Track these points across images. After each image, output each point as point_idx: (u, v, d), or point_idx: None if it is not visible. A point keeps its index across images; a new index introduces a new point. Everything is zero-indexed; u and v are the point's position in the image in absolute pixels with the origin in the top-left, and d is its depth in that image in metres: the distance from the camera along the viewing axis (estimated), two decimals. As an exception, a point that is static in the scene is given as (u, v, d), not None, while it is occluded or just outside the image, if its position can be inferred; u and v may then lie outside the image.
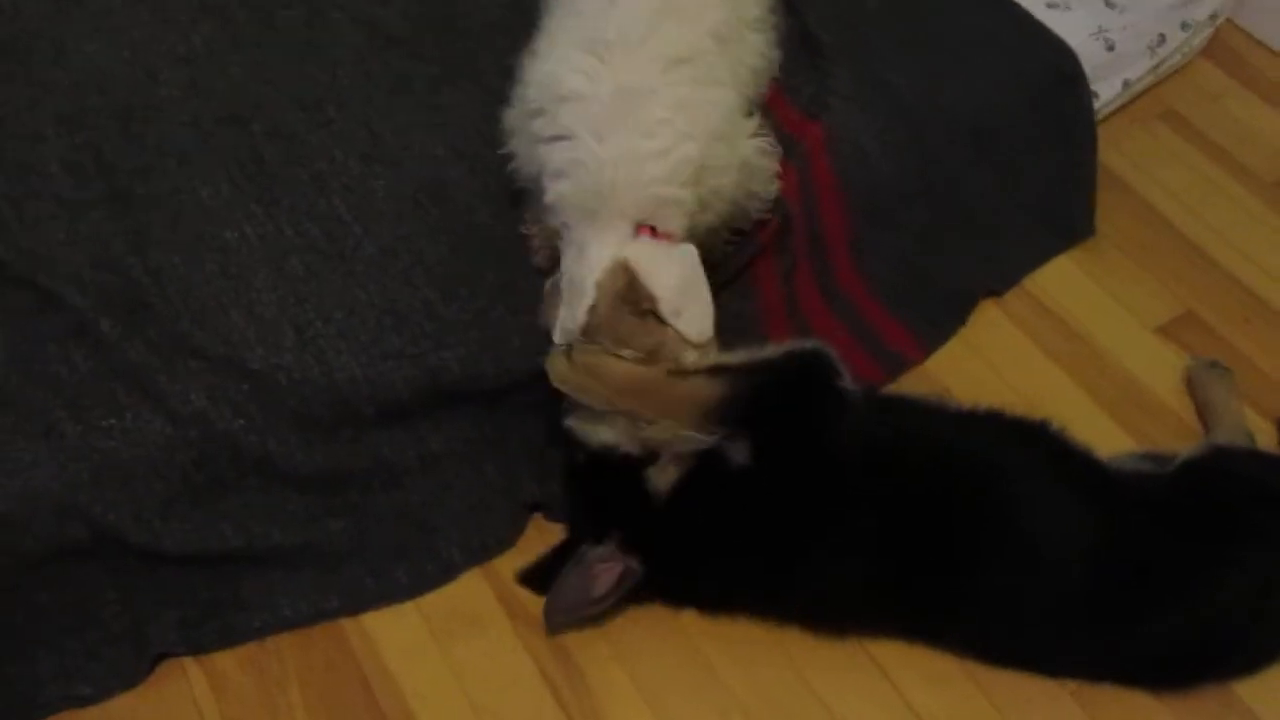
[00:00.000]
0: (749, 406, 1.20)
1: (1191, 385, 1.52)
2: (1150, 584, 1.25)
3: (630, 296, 1.18)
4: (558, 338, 1.21)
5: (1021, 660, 1.28)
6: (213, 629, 1.29)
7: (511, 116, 1.37)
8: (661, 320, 1.20)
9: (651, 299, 1.18)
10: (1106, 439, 1.43)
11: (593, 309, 1.17)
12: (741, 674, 1.29)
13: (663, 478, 1.25)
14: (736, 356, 1.25)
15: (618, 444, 1.23)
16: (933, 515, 1.24)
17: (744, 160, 1.34)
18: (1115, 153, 1.78)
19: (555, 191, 1.23)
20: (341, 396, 1.31)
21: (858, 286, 1.56)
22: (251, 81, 1.58)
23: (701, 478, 1.24)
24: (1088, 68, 1.68)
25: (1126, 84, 1.77)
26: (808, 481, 1.24)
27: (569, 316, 1.19)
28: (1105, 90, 1.73)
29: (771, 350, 1.28)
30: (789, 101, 1.58)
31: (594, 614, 1.29)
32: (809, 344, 1.30)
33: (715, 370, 1.21)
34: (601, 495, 1.28)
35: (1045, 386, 1.52)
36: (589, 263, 1.19)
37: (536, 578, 1.33)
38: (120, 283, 1.36)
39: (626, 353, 1.19)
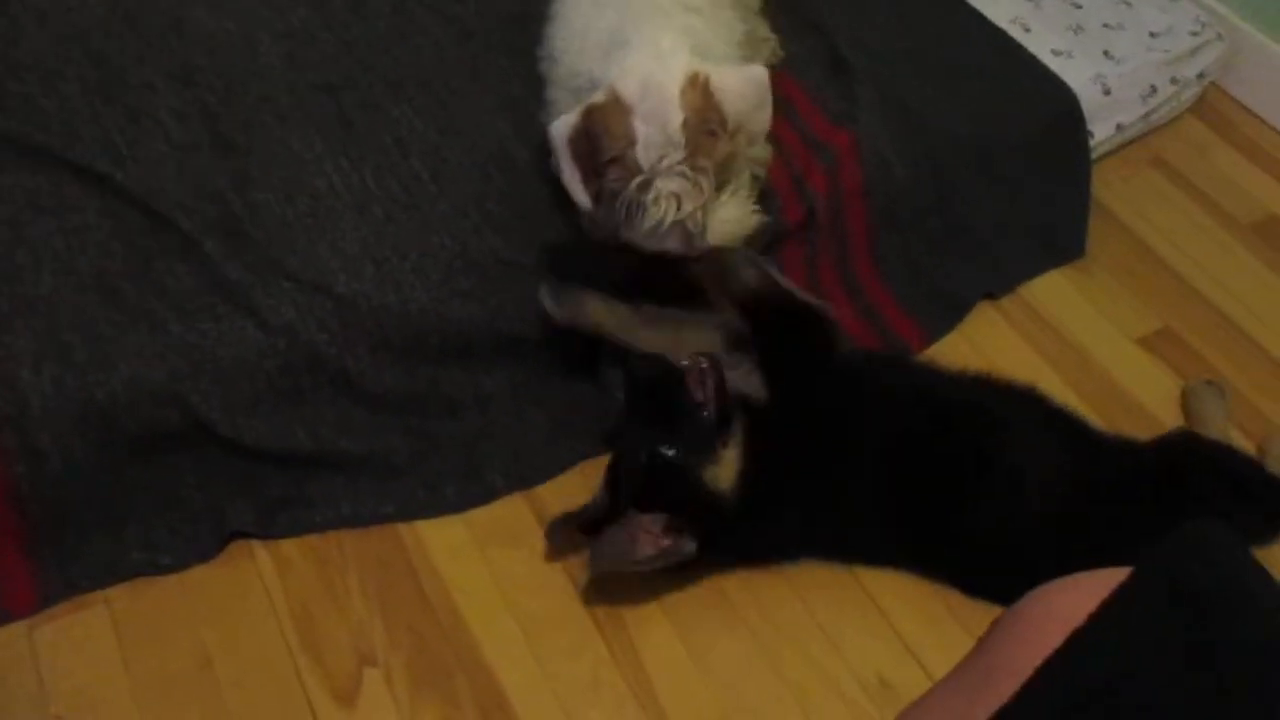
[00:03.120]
0: (765, 316, 1.35)
1: (1186, 398, 1.68)
2: (1113, 541, 1.40)
3: (707, 115, 1.30)
4: (642, 155, 1.31)
5: (997, 595, 1.43)
6: (281, 519, 1.43)
7: (552, 103, 1.55)
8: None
9: (722, 117, 1.31)
10: (1087, 428, 1.59)
11: (684, 124, 1.29)
12: (752, 600, 1.43)
13: (725, 475, 1.35)
14: (780, 276, 1.39)
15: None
16: (930, 456, 1.40)
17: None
18: (1107, 190, 1.97)
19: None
20: (413, 325, 1.47)
21: (872, 278, 1.74)
22: (343, 58, 1.76)
23: (752, 461, 1.35)
24: (1086, 109, 1.88)
25: (1120, 127, 1.96)
26: (828, 432, 1.39)
27: (656, 132, 1.30)
28: (1100, 130, 1.93)
29: (800, 292, 1.43)
30: (820, 111, 1.77)
31: (637, 571, 1.36)
32: (828, 307, 1.45)
33: (757, 272, 1.37)
34: (659, 490, 1.35)
35: (1033, 379, 1.67)
36: (668, 70, 1.31)
37: (584, 526, 1.41)
38: (221, 214, 1.53)
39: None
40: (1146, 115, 2.00)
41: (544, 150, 1.61)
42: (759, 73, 1.41)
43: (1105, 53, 1.95)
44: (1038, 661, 0.81)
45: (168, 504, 1.40)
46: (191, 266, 1.47)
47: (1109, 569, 0.85)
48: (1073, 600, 0.83)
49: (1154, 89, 1.97)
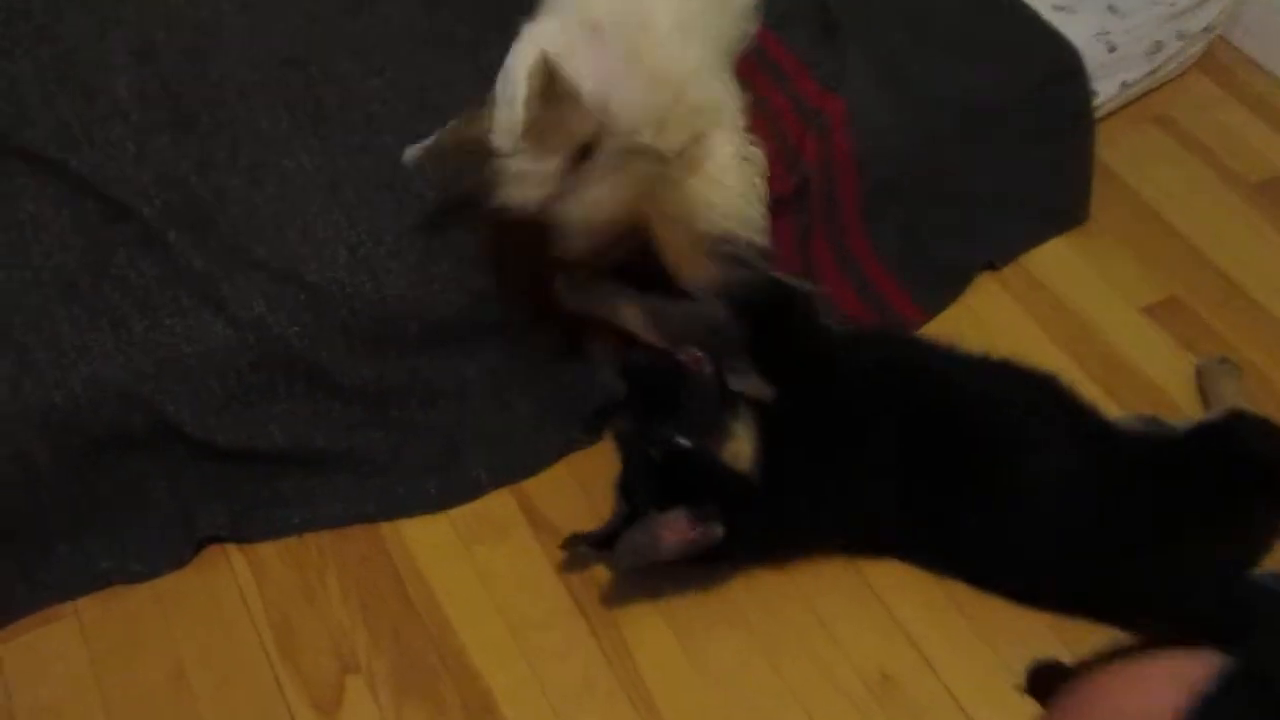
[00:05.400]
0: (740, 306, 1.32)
1: (1200, 377, 1.61)
2: (1135, 540, 1.35)
3: (551, 92, 1.18)
4: (497, 141, 1.24)
5: (1007, 587, 1.38)
6: (256, 521, 1.38)
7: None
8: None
9: (574, 93, 1.18)
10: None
11: (526, 103, 1.19)
12: (749, 594, 1.38)
13: (743, 450, 1.32)
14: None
15: None
16: (939, 444, 1.35)
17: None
18: (1111, 149, 1.90)
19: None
20: (389, 312, 1.41)
21: (866, 251, 1.67)
22: (308, 31, 1.68)
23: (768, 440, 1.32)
24: (1089, 67, 1.80)
25: (1124, 85, 1.89)
26: (842, 414, 1.36)
27: (506, 116, 1.22)
28: (1105, 89, 1.85)
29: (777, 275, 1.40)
30: (811, 76, 1.69)
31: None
32: (804, 284, 1.43)
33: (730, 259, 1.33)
34: (678, 484, 1.30)
35: (1036, 353, 1.61)
36: (517, 53, 1.25)
37: (602, 543, 1.33)
38: (185, 200, 1.46)
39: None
40: (1152, 72, 1.92)
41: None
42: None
43: (1109, 7, 1.86)
44: None
45: (136, 509, 1.35)
46: (154, 258, 1.40)
47: (1170, 655, 0.75)
48: (1142, 703, 0.74)
49: (1160, 45, 1.89)
